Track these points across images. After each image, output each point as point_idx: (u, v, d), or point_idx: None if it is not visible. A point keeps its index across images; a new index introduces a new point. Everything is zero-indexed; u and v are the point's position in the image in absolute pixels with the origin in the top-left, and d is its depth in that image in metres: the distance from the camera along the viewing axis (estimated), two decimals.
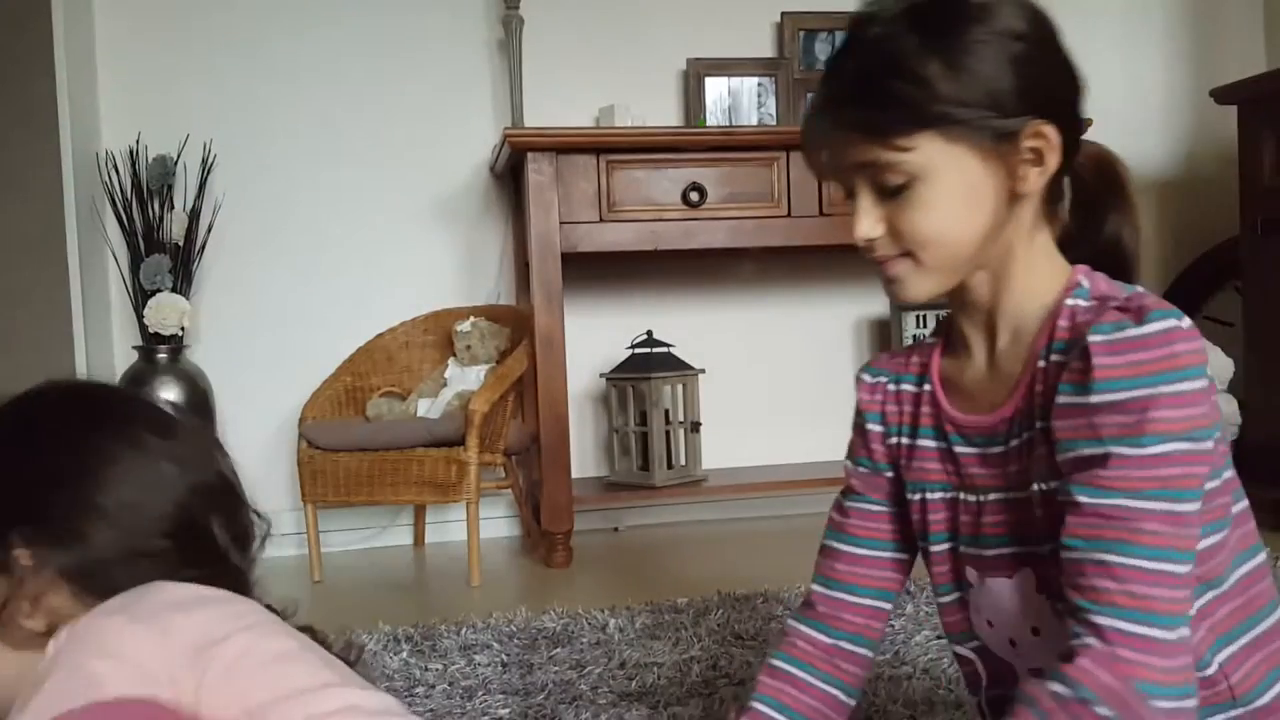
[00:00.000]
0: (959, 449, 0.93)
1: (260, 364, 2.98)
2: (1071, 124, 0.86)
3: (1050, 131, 0.83)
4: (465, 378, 2.73)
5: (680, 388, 2.86)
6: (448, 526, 3.02)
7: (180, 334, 2.76)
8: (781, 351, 3.23)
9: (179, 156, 2.82)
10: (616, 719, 1.49)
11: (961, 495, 0.94)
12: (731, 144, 2.71)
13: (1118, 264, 0.92)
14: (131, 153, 2.81)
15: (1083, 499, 0.78)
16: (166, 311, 2.71)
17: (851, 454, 1.08)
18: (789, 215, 2.73)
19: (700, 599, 2.12)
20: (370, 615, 2.13)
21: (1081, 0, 3.13)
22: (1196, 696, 0.78)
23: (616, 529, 3.11)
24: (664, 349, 2.83)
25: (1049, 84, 0.84)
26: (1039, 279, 0.89)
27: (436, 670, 1.78)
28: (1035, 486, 0.85)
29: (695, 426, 2.87)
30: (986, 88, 0.82)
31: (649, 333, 2.85)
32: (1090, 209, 0.93)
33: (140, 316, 2.73)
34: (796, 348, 3.24)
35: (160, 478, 0.86)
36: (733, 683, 1.63)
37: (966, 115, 0.82)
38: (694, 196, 2.68)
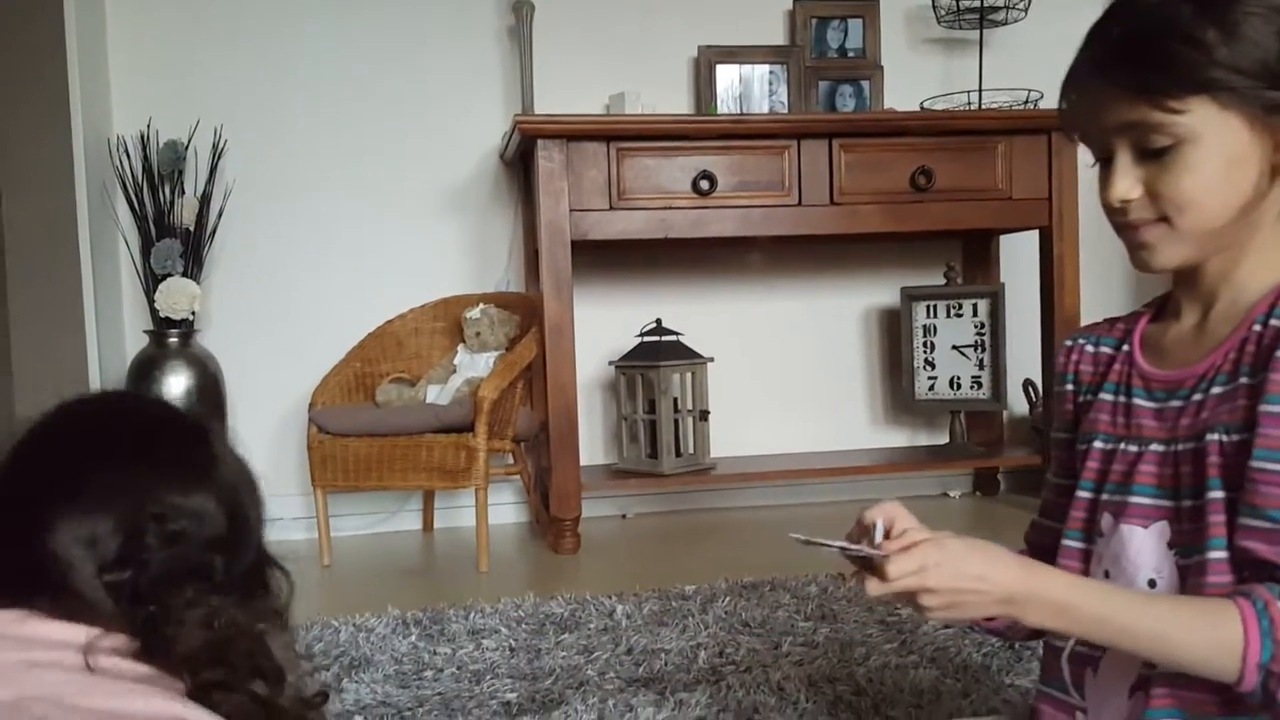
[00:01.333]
0: (1137, 401, 0.95)
1: (270, 349, 2.99)
2: None
3: None
4: (474, 364, 2.74)
5: (689, 376, 2.86)
6: (457, 512, 3.03)
7: (191, 318, 2.76)
8: (790, 341, 3.23)
9: (189, 142, 2.83)
10: (624, 704, 1.50)
11: (1123, 445, 0.95)
12: (742, 132, 2.71)
13: None
14: (143, 138, 2.81)
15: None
16: (177, 296, 2.71)
17: (1054, 425, 1.08)
18: (799, 204, 2.72)
19: (708, 586, 2.13)
20: (379, 599, 2.14)
21: None
22: None
23: (624, 516, 3.12)
24: (673, 337, 2.84)
25: None
26: (1275, 256, 0.89)
27: (445, 654, 1.79)
28: (1213, 436, 0.86)
29: (704, 414, 2.87)
30: (1260, 58, 0.82)
31: (658, 321, 2.85)
32: None
33: (151, 301, 2.74)
34: (805, 337, 3.24)
35: None
36: (740, 670, 1.64)
37: (1240, 83, 0.82)
38: (704, 185, 2.67)
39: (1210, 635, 0.79)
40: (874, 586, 0.84)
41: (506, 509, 3.08)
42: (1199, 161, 0.85)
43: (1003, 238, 3.21)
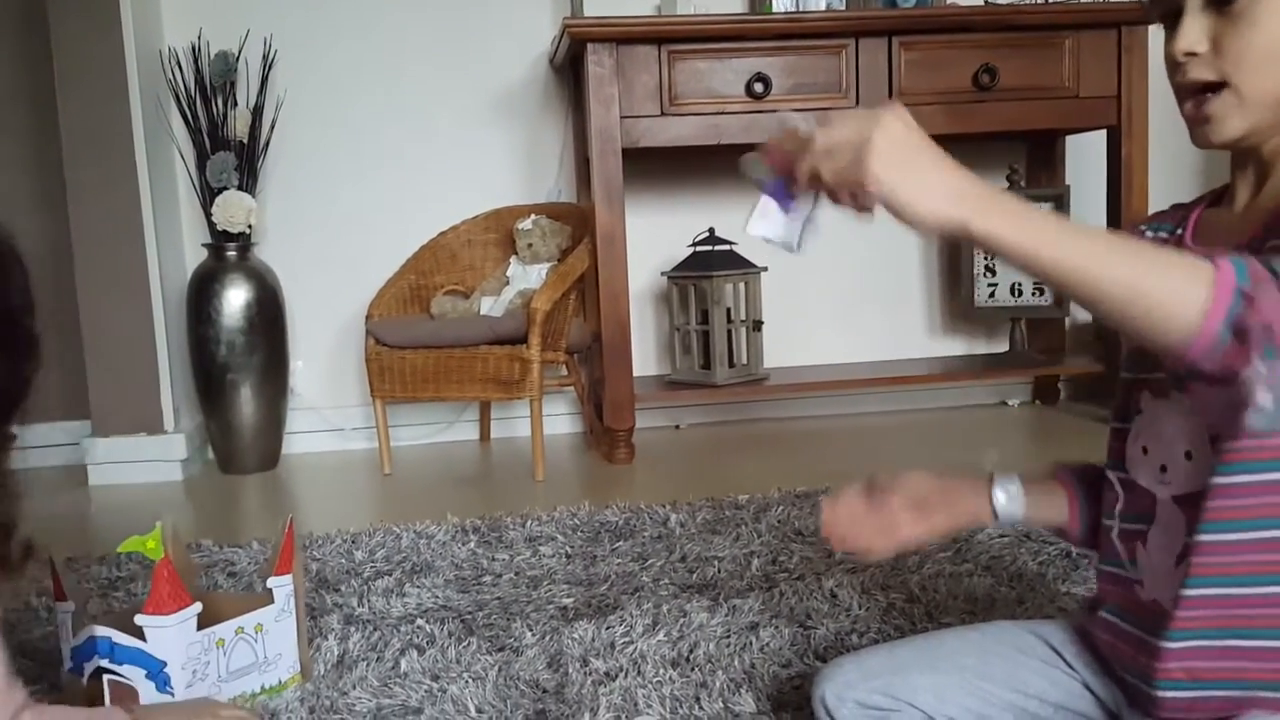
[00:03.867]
0: None
1: (325, 262, 3.01)
2: None
3: None
4: (527, 276, 2.73)
5: (742, 286, 2.83)
6: (512, 423, 3.06)
7: (248, 231, 2.79)
8: (846, 248, 3.17)
9: (240, 53, 2.82)
10: (678, 610, 1.52)
11: None
12: (798, 31, 2.63)
13: None
14: (194, 49, 2.81)
15: None
16: (234, 209, 2.73)
17: None
18: (857, 106, 2.64)
19: (760, 496, 2.14)
20: (439, 508, 2.19)
21: None
22: None
23: (678, 427, 3.13)
24: (726, 247, 2.80)
25: None
26: None
27: (503, 560, 1.82)
28: None
29: (757, 325, 2.85)
30: None
31: (711, 230, 2.81)
32: None
33: (208, 214, 2.76)
34: (861, 244, 3.17)
35: None
36: (792, 577, 1.65)
37: None
38: (758, 88, 2.61)
39: (1175, 276, 0.69)
40: (819, 137, 0.77)
41: (561, 420, 3.11)
42: (1269, 16, 0.80)
43: (1069, 138, 3.10)
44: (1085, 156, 3.06)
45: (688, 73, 2.60)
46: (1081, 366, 3.00)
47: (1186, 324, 0.68)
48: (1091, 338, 3.10)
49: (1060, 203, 2.92)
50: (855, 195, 0.78)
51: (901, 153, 0.76)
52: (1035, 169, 3.14)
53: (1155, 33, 2.69)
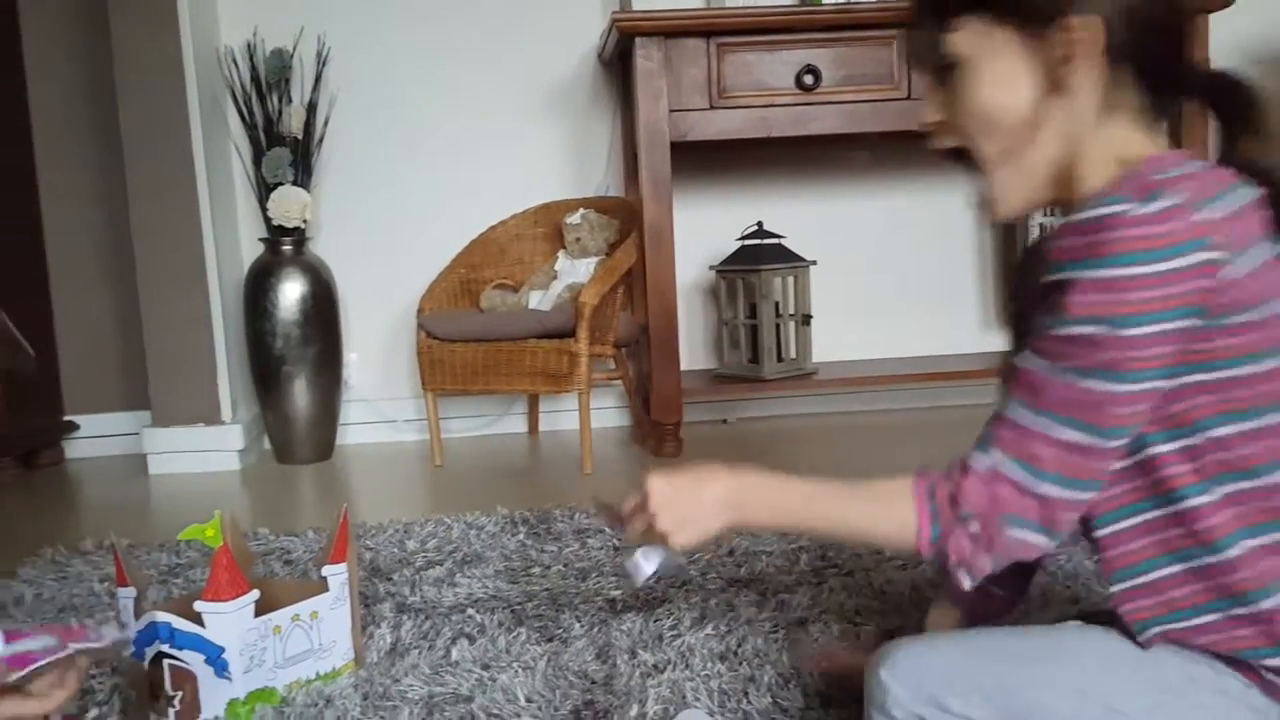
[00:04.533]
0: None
1: (378, 255, 3.05)
2: (1138, 33, 0.85)
3: (1086, 27, 0.84)
4: (575, 270, 2.75)
5: (791, 280, 2.82)
6: (561, 416, 3.08)
7: (303, 226, 2.83)
8: (897, 241, 3.14)
9: (294, 50, 2.86)
10: (725, 604, 1.53)
11: None
12: (848, 22, 2.60)
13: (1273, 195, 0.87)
14: (249, 47, 2.85)
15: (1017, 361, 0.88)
16: (289, 204, 2.78)
17: None
18: (908, 97, 2.62)
19: None
20: (488, 499, 2.21)
21: None
22: (1056, 541, 0.87)
23: (725, 421, 3.13)
24: (774, 240, 2.79)
25: None
26: (1098, 177, 0.88)
27: (552, 552, 1.84)
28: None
29: (806, 319, 2.84)
30: None
31: (759, 224, 2.81)
32: (1226, 137, 0.92)
33: (264, 209, 2.81)
34: (914, 237, 3.15)
35: None
36: (841, 573, 1.64)
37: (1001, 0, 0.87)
38: (808, 80, 2.59)
39: (892, 527, 0.91)
40: (629, 534, 1.03)
41: (609, 413, 3.12)
42: (974, 77, 0.89)
43: None
44: None
45: (736, 65, 2.59)
46: None
47: (908, 550, 0.91)
48: None
49: None
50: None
51: (676, 514, 0.97)
52: None
53: (1217, 21, 2.63)
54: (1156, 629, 0.89)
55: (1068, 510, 0.86)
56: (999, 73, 0.88)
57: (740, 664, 1.31)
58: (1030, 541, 0.86)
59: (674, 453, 2.67)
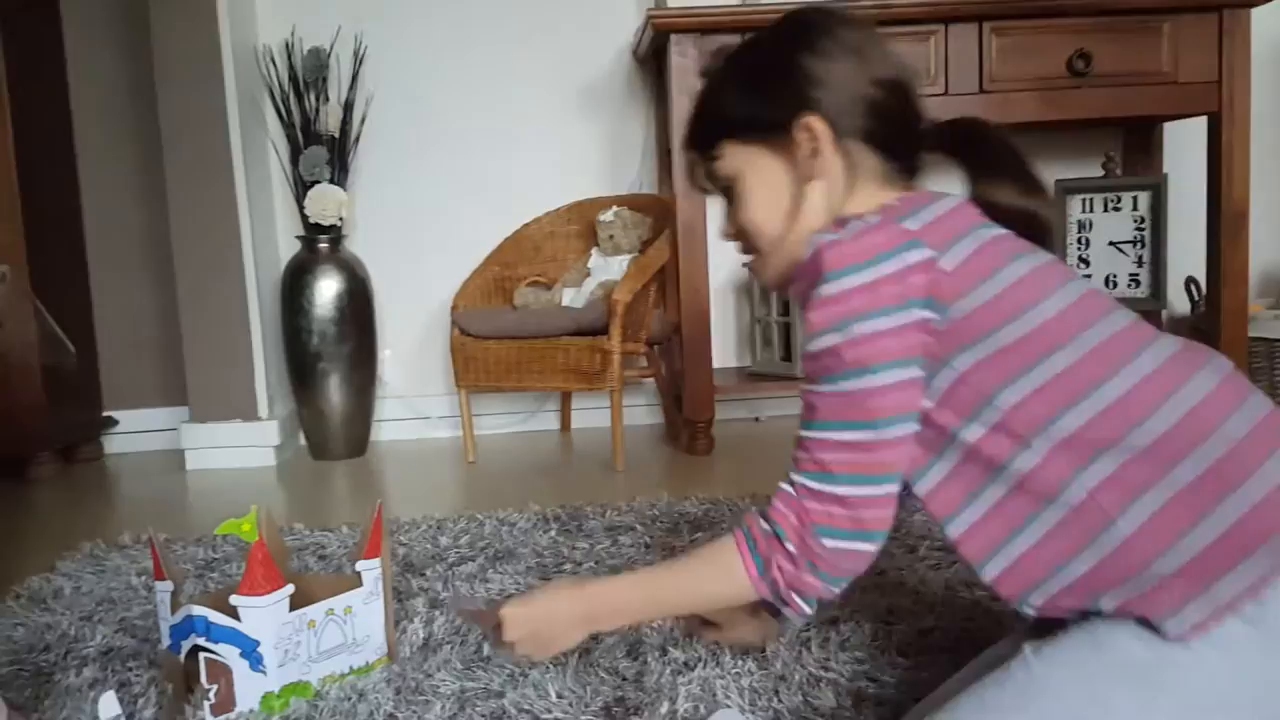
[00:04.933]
0: None
1: (413, 253, 3.07)
2: (860, 115, 1.01)
3: (816, 123, 1.00)
4: (608, 267, 2.75)
5: None
6: (593, 413, 3.08)
7: (339, 224, 2.85)
8: None
9: (332, 49, 2.88)
10: None
11: None
12: (885, 17, 2.57)
13: (1030, 230, 1.01)
14: (287, 46, 2.88)
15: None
16: (326, 202, 2.80)
17: None
18: (946, 93, 2.59)
19: None
20: (520, 496, 2.22)
21: None
22: (878, 542, 0.94)
23: (757, 419, 3.12)
24: None
25: (810, 90, 1.00)
26: (816, 219, 1.03)
27: (583, 549, 1.84)
28: None
29: None
30: (761, 97, 1.03)
31: None
32: (970, 178, 1.06)
33: (301, 207, 2.84)
34: None
35: None
36: (874, 572, 1.63)
37: (744, 121, 1.04)
38: None
39: (723, 578, 0.99)
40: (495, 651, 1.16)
41: (641, 411, 3.12)
42: (744, 191, 1.05)
43: (1167, 125, 2.99)
44: (1184, 144, 2.95)
45: None
46: None
47: (747, 596, 0.99)
48: (1190, 331, 2.99)
49: (1157, 192, 2.82)
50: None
51: (531, 636, 1.08)
52: (1132, 157, 3.04)
53: (1259, 16, 2.59)
54: (1039, 596, 0.92)
55: (871, 508, 0.92)
56: (760, 183, 1.04)
57: (771, 662, 1.31)
58: (846, 548, 0.93)
59: (705, 450, 2.66)
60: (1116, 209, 2.88)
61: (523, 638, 1.08)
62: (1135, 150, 3.04)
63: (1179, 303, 3.03)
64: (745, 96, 1.05)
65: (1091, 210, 2.90)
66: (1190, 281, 2.95)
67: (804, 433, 0.95)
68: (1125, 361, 0.90)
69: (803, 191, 1.02)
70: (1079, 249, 2.92)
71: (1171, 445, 0.86)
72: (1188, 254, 2.90)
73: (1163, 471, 0.86)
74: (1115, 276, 2.90)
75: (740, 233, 1.07)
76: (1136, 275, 2.88)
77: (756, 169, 1.04)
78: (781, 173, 1.03)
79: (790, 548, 0.94)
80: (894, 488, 0.93)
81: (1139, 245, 2.87)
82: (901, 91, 1.04)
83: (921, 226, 0.93)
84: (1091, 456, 0.87)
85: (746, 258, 1.09)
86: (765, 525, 0.96)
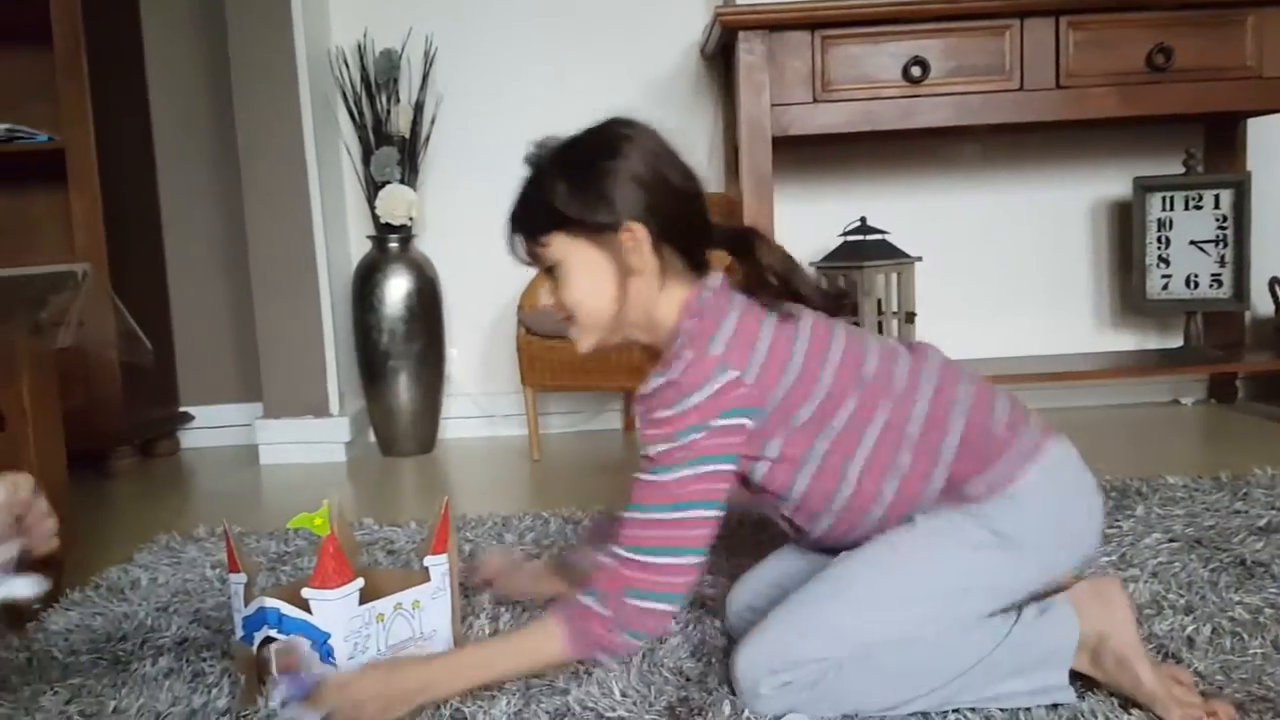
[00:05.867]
0: None
1: (480, 253, 3.07)
2: (670, 223, 1.21)
3: (638, 228, 1.18)
4: None
5: (894, 276, 2.76)
6: None
7: (409, 224, 2.89)
8: (1007, 238, 3.05)
9: (403, 50, 2.92)
10: None
11: None
12: (959, 12, 2.53)
13: (791, 291, 1.24)
14: (359, 48, 2.92)
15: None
16: (396, 202, 2.84)
17: None
18: (1021, 89, 2.54)
19: None
20: (585, 494, 2.22)
21: None
22: (676, 603, 1.14)
23: None
24: (878, 236, 2.73)
25: (634, 199, 1.19)
26: (669, 321, 1.23)
27: None
28: None
29: (910, 317, 2.77)
30: (592, 200, 1.19)
31: (862, 219, 2.75)
32: (742, 271, 1.26)
33: (372, 207, 2.88)
34: (1024, 233, 3.05)
35: None
36: None
37: (576, 219, 1.20)
38: (916, 71, 2.53)
39: (542, 646, 1.17)
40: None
41: None
42: (570, 275, 1.24)
43: (1250, 121, 2.89)
44: (1269, 140, 2.85)
45: (841, 58, 2.55)
46: (1262, 363, 2.81)
47: (564, 659, 1.18)
48: (1273, 333, 2.89)
49: (1240, 190, 2.73)
50: None
51: (374, 710, 1.14)
52: (1214, 153, 2.95)
53: None
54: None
55: (678, 575, 1.13)
56: (585, 271, 1.22)
57: None
58: (647, 607, 1.12)
59: None
60: (1198, 207, 2.79)
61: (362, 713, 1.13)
62: (1217, 147, 2.95)
63: (1262, 304, 2.93)
64: (575, 197, 1.20)
65: (1171, 208, 2.82)
66: (1274, 282, 2.85)
67: (625, 514, 1.14)
68: (893, 394, 1.21)
69: (625, 284, 1.21)
70: (1158, 248, 2.84)
71: (927, 435, 1.20)
72: (1272, 254, 2.81)
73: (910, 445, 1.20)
74: (1196, 277, 2.81)
75: (561, 305, 1.26)
76: (1219, 275, 2.79)
77: (582, 259, 1.22)
78: (604, 264, 1.21)
79: (601, 610, 1.12)
80: (696, 560, 1.13)
81: (1221, 245, 2.78)
82: (699, 199, 1.25)
83: (725, 349, 1.15)
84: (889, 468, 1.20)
85: (564, 325, 1.28)
86: (583, 599, 1.13)
